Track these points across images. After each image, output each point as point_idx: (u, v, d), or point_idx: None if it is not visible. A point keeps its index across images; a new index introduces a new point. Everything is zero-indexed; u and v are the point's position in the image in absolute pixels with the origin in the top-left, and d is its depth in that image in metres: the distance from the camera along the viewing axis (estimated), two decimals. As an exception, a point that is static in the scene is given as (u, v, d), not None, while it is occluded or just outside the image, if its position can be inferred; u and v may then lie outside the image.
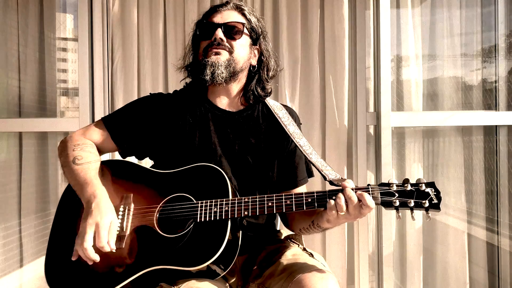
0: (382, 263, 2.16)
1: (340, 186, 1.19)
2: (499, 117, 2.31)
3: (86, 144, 1.38)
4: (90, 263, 1.17)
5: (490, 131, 2.38)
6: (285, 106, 1.50)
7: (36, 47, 2.39)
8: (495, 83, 2.39)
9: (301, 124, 1.53)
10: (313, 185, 2.25)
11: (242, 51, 1.40)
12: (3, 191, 2.35)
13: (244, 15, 1.42)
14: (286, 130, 1.41)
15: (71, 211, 1.33)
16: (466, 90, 2.43)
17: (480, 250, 2.40)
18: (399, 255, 2.39)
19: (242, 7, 1.43)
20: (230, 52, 1.37)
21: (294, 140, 1.39)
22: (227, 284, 1.35)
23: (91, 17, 2.20)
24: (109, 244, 1.16)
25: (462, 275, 2.38)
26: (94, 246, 1.16)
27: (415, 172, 2.40)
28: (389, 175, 2.17)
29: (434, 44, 2.42)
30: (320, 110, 2.29)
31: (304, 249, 1.40)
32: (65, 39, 2.49)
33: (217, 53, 1.35)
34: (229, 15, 1.40)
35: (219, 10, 1.41)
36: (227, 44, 1.36)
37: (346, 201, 1.14)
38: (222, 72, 1.34)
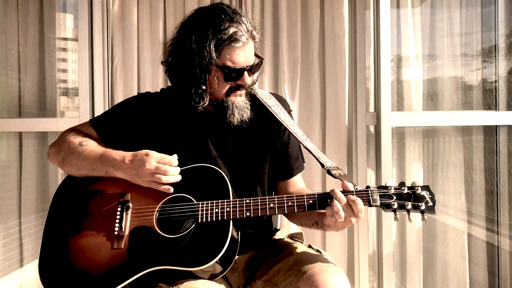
0: (382, 263, 2.16)
1: (338, 178, 1.23)
2: (499, 117, 2.31)
3: (83, 134, 1.39)
4: (178, 179, 1.24)
5: (490, 131, 2.38)
6: (274, 94, 1.49)
7: (36, 47, 2.39)
8: (495, 83, 2.39)
9: (291, 110, 1.52)
10: (312, 174, 2.26)
11: None
12: (3, 191, 2.35)
13: (255, 42, 1.35)
14: (278, 118, 1.40)
15: (65, 212, 1.32)
16: (466, 90, 2.43)
17: (480, 250, 2.40)
18: (399, 255, 2.39)
19: (255, 34, 1.34)
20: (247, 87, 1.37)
21: (288, 128, 1.39)
22: (228, 283, 1.35)
23: (91, 17, 2.20)
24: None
25: (462, 275, 2.38)
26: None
27: (415, 172, 2.40)
28: (389, 175, 2.17)
29: (434, 44, 2.42)
30: (320, 110, 2.29)
31: (310, 246, 1.41)
32: (65, 39, 2.49)
33: (241, 95, 1.35)
34: (250, 52, 1.32)
35: (241, 46, 1.28)
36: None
37: (339, 203, 1.16)
38: (248, 114, 1.35)
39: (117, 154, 1.27)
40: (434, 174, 2.41)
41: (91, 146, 1.32)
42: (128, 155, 1.25)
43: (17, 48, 2.38)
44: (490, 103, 2.40)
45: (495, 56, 2.40)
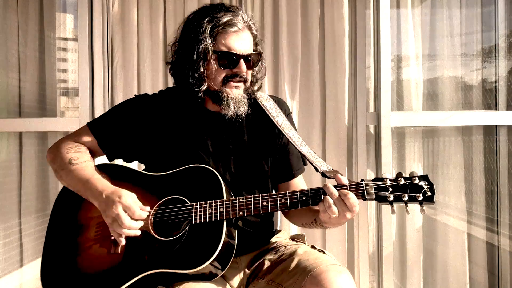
0: (382, 263, 2.15)
1: (334, 177, 1.20)
2: (499, 117, 2.31)
3: (79, 145, 1.38)
4: (138, 233, 1.20)
5: (490, 131, 2.38)
6: (272, 97, 1.49)
7: (36, 47, 2.39)
8: (495, 83, 2.39)
9: (290, 113, 1.51)
10: (312, 177, 2.25)
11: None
12: (3, 191, 2.35)
13: (253, 34, 1.38)
14: (275, 122, 1.40)
15: (67, 214, 1.33)
16: (466, 90, 2.43)
17: (480, 250, 2.40)
18: (399, 255, 2.39)
19: (252, 25, 1.37)
20: (245, 81, 1.35)
21: (283, 132, 1.39)
22: (228, 283, 1.35)
23: (91, 17, 2.20)
24: (142, 210, 1.21)
25: (462, 275, 2.38)
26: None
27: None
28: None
29: (434, 44, 2.42)
30: (320, 110, 2.29)
31: (313, 247, 1.40)
32: (65, 39, 2.49)
33: (237, 87, 1.33)
34: (246, 41, 1.34)
35: (236, 31, 1.31)
36: (245, 75, 1.34)
37: (331, 197, 1.15)
38: (245, 108, 1.34)
39: (100, 184, 1.25)
40: (434, 174, 2.41)
41: (80, 166, 1.31)
42: (108, 189, 1.23)
43: (17, 48, 2.38)
44: (490, 103, 2.40)
45: (495, 56, 2.40)
